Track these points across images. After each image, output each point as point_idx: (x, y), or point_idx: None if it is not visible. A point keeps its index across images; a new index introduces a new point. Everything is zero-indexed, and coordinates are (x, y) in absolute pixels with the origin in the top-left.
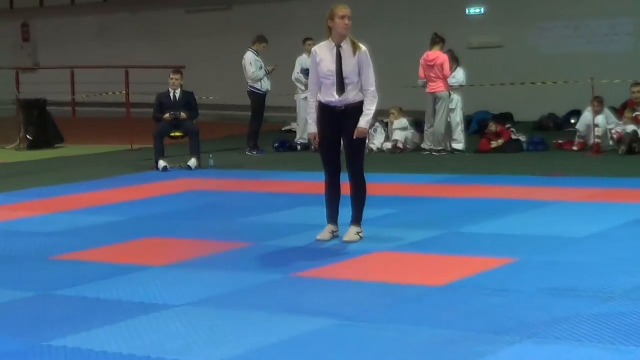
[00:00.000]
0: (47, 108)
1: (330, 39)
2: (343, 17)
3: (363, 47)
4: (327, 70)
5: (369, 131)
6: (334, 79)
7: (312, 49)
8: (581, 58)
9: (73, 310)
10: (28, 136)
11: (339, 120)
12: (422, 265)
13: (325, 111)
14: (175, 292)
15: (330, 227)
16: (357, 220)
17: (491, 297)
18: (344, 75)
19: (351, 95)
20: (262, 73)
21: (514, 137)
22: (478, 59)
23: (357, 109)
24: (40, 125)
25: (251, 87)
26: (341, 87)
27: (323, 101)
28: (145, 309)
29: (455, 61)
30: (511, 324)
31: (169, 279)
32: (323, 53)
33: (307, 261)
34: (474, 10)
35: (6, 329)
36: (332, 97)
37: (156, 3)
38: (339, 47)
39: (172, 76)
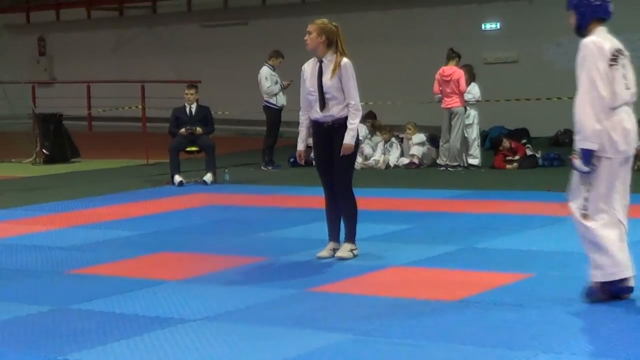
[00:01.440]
0: (63, 122)
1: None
2: (308, 32)
3: (344, 60)
4: (310, 86)
5: (356, 146)
6: (316, 94)
7: (303, 66)
8: None
9: (89, 324)
10: (44, 150)
11: (328, 138)
12: (437, 281)
13: (315, 129)
14: (190, 307)
15: (331, 245)
16: (349, 237)
17: (507, 313)
18: (324, 90)
19: (335, 111)
20: (277, 88)
21: (528, 152)
22: (493, 74)
23: (344, 126)
24: (56, 139)
25: (266, 101)
26: (322, 102)
27: (312, 118)
28: (161, 324)
29: (471, 76)
30: (526, 339)
31: (185, 293)
32: (308, 69)
33: (323, 276)
34: (489, 26)
35: (22, 342)
36: (317, 113)
37: (172, 18)
38: (320, 62)
39: (187, 91)
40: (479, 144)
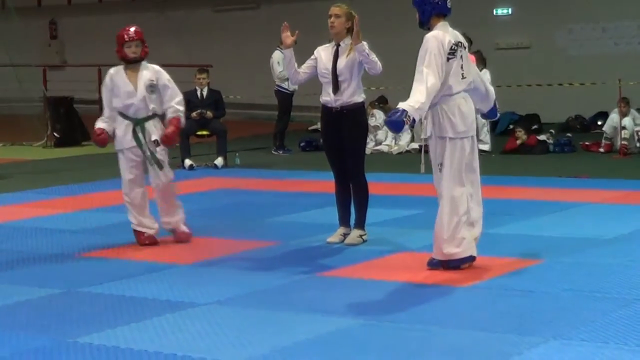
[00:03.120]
0: (74, 105)
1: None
2: (330, 16)
3: (359, 44)
4: (324, 68)
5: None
6: (329, 77)
7: (317, 49)
8: (608, 59)
9: (99, 307)
10: (55, 134)
11: (337, 124)
12: None
13: (325, 113)
14: (201, 291)
15: (341, 230)
16: (359, 223)
17: (517, 298)
18: (338, 72)
19: (346, 95)
20: None
21: (542, 138)
22: (505, 60)
23: (353, 111)
24: (67, 122)
25: (278, 86)
26: (336, 85)
27: (322, 101)
28: (171, 307)
29: (482, 62)
30: (537, 325)
31: (195, 277)
32: (323, 52)
33: (333, 261)
34: (501, 11)
35: (33, 325)
36: (328, 95)
37: (183, 2)
38: (337, 45)
39: (198, 75)
40: (489, 129)
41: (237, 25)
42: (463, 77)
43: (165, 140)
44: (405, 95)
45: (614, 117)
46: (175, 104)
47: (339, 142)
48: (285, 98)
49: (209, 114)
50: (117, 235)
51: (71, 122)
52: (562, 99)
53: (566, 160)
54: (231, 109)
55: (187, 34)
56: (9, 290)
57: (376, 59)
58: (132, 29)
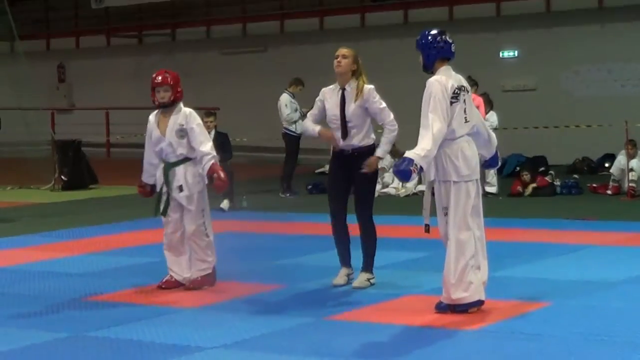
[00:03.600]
0: (82, 149)
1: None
2: (337, 56)
3: (366, 86)
4: (332, 114)
5: (376, 172)
6: (338, 123)
7: (321, 90)
8: (615, 101)
9: (106, 351)
10: (63, 177)
11: (348, 165)
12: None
13: (336, 157)
14: (207, 335)
15: (344, 271)
16: (367, 266)
17: (524, 342)
18: (347, 119)
19: (356, 140)
20: (296, 115)
21: (547, 179)
22: (512, 102)
23: (365, 154)
24: (75, 166)
25: (285, 129)
26: (344, 131)
27: (335, 147)
28: (177, 351)
29: (489, 104)
30: None
31: (201, 321)
32: (329, 95)
33: (339, 304)
34: (507, 53)
35: None
36: (339, 140)
37: (191, 45)
38: (343, 89)
39: (205, 119)
40: (496, 171)
41: (245, 67)
42: (466, 121)
43: (218, 189)
44: (411, 137)
45: (621, 159)
46: (207, 149)
47: (347, 184)
48: (292, 141)
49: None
50: (123, 278)
51: (79, 165)
52: (568, 140)
53: (573, 202)
54: (238, 152)
55: (195, 76)
56: (15, 334)
57: (392, 136)
58: (161, 75)
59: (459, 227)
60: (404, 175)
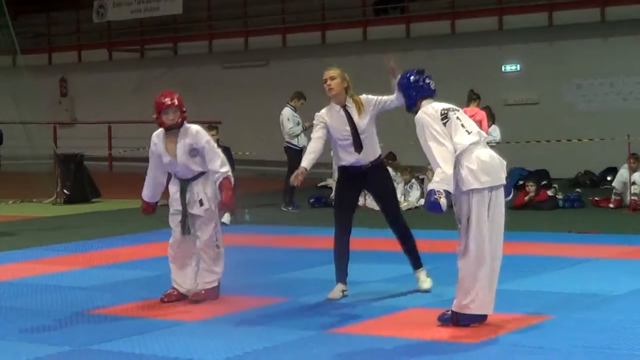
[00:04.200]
0: (84, 163)
1: (331, 102)
2: (325, 80)
3: (362, 98)
4: (340, 133)
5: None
6: (350, 139)
7: (316, 115)
8: (617, 115)
9: None
10: (65, 191)
11: (361, 180)
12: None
13: (349, 173)
14: (210, 348)
15: (340, 286)
16: (420, 263)
17: (527, 355)
18: (359, 131)
19: (370, 151)
20: (299, 129)
21: (550, 193)
22: (514, 116)
23: (377, 167)
24: (77, 180)
25: (288, 142)
26: (358, 144)
27: (346, 164)
28: None
29: (491, 118)
30: None
31: (203, 334)
32: (331, 117)
33: (342, 317)
34: (509, 67)
35: None
36: (352, 156)
37: (193, 59)
38: (344, 107)
39: (207, 132)
40: None
41: (247, 81)
42: (469, 132)
43: (224, 206)
44: (410, 150)
45: (623, 172)
46: (217, 167)
47: (357, 199)
48: (295, 154)
49: None
50: (126, 292)
51: (81, 179)
52: (571, 154)
53: (576, 215)
54: (240, 165)
55: (197, 90)
56: (18, 347)
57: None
58: (169, 98)
59: (475, 237)
60: (433, 206)
